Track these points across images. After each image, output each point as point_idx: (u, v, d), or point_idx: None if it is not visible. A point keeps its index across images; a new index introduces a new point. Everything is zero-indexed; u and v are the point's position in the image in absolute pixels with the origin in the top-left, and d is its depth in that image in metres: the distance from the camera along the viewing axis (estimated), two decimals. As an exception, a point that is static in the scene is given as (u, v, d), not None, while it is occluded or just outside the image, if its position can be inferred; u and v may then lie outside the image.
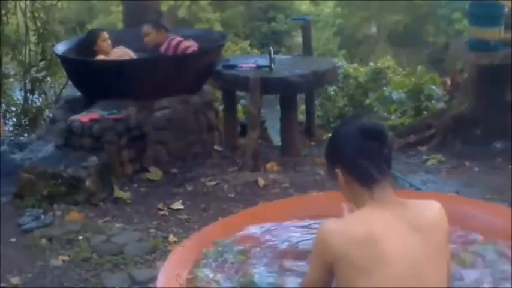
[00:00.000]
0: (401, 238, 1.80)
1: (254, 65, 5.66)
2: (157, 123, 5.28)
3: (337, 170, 1.89)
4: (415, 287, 1.76)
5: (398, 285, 1.75)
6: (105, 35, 5.59)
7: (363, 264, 1.76)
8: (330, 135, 2.06)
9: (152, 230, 4.21)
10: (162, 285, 1.97)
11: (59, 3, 9.49)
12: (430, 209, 1.89)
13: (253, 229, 2.34)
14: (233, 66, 5.69)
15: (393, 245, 1.78)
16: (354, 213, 1.89)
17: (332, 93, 8.59)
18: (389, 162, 1.90)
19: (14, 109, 9.12)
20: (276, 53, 6.39)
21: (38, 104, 9.13)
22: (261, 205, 3.77)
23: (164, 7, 11.16)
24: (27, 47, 8.97)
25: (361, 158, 1.85)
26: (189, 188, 4.93)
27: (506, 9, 5.50)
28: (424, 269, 1.79)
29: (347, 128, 1.95)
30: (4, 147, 5.68)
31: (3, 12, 8.57)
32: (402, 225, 1.82)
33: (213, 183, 4.95)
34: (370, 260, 1.76)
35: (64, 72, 7.10)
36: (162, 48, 5.59)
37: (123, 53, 5.65)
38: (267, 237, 2.31)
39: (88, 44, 5.58)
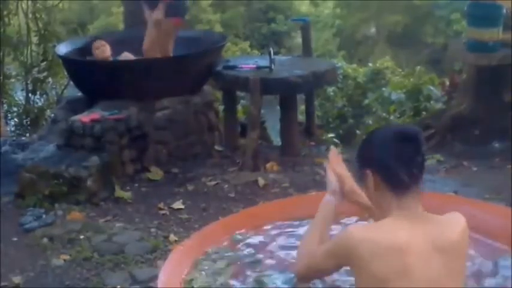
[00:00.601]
0: (425, 256, 1.77)
1: (254, 66, 5.65)
2: (158, 124, 5.28)
3: (368, 172, 1.85)
4: None
5: None
6: (98, 43, 5.54)
7: (385, 276, 1.75)
8: (365, 136, 2.02)
9: (153, 230, 4.21)
10: (163, 284, 1.96)
11: (60, 4, 9.51)
12: (455, 228, 1.84)
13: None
14: (233, 67, 5.68)
15: (417, 262, 1.76)
16: (381, 222, 1.84)
17: (331, 93, 8.60)
18: (421, 169, 1.84)
19: (15, 109, 9.13)
20: (275, 53, 6.38)
21: (40, 104, 9.14)
22: (261, 205, 3.77)
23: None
24: (29, 47, 8.99)
25: (396, 161, 1.80)
26: (190, 187, 4.93)
27: (504, 10, 5.50)
28: None
29: (384, 130, 1.92)
30: (6, 147, 5.69)
31: (5, 13, 8.58)
32: (427, 242, 1.79)
33: (213, 183, 4.95)
34: (392, 272, 1.75)
35: (65, 73, 7.10)
36: None
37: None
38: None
39: (89, 46, 5.59)
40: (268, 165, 5.28)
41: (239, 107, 6.75)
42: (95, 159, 4.72)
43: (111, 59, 5.56)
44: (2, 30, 8.62)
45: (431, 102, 7.48)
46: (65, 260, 3.81)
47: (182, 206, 4.57)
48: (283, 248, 2.25)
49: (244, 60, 6.19)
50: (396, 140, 1.82)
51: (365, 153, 1.89)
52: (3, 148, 5.67)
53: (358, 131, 7.80)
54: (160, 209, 4.54)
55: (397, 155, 1.80)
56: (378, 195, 1.86)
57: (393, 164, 1.80)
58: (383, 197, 1.84)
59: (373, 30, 20.46)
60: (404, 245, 1.76)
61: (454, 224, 1.86)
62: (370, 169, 1.84)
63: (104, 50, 5.53)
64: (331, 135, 7.48)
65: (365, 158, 1.89)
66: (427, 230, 1.81)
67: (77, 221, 4.32)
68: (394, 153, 1.81)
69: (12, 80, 9.52)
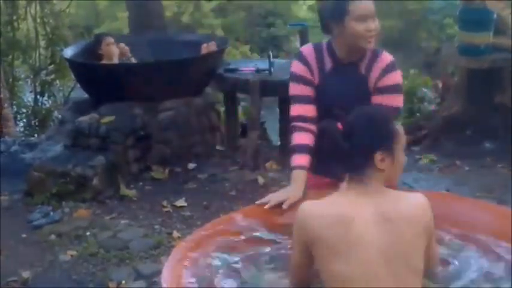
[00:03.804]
0: (376, 226, 1.81)
1: (254, 69, 5.65)
2: (162, 124, 5.28)
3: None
4: (384, 274, 1.77)
5: (367, 271, 1.76)
6: (110, 39, 5.57)
7: (335, 245, 1.79)
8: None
9: (156, 227, 4.22)
10: (166, 280, 1.96)
11: (68, 9, 9.52)
12: (409, 203, 1.88)
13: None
14: (234, 70, 5.69)
15: (367, 231, 1.80)
16: (332, 196, 1.92)
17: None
18: (365, 158, 1.91)
19: (24, 111, 9.14)
20: (275, 57, 6.37)
21: (47, 105, 9.15)
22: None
23: (168, 13, 11.16)
24: (37, 51, 9.00)
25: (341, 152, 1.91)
26: (192, 186, 4.94)
27: (495, 15, 5.50)
28: (394, 261, 1.79)
29: (368, 114, 1.98)
30: (15, 147, 5.69)
31: (14, 17, 8.59)
32: (378, 213, 1.83)
33: (214, 181, 4.96)
34: (342, 241, 1.79)
35: (72, 75, 7.10)
36: None
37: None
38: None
39: (94, 47, 5.58)
40: (267, 165, 5.29)
41: (240, 108, 6.75)
42: (100, 159, 4.72)
43: (116, 60, 5.56)
44: (11, 34, 8.62)
45: (425, 103, 7.47)
46: (72, 256, 3.82)
47: (185, 204, 4.58)
48: (282, 247, 2.24)
49: (245, 63, 6.18)
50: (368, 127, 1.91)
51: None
52: (13, 148, 5.67)
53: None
54: (164, 206, 4.54)
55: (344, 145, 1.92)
56: None
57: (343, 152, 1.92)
58: None
59: (368, 34, 20.41)
60: (350, 214, 1.82)
61: (410, 199, 1.90)
62: None
63: (113, 49, 5.53)
64: (328, 135, 7.47)
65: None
66: (380, 203, 1.85)
67: (84, 218, 4.33)
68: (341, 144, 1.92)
69: (21, 82, 9.54)
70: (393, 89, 2.43)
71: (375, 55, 2.45)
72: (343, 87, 2.47)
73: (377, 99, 2.42)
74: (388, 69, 2.44)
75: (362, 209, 1.83)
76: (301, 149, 2.46)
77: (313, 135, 2.48)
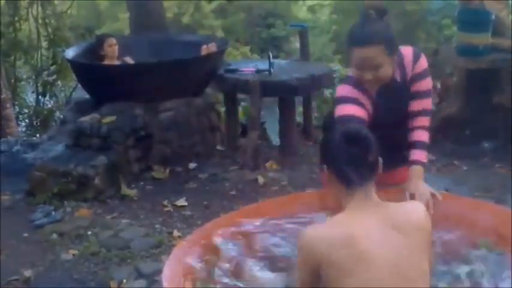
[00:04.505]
0: (381, 238, 1.78)
1: (254, 69, 5.65)
2: (163, 124, 5.28)
3: (324, 167, 1.93)
4: (397, 286, 1.75)
5: (380, 285, 1.74)
6: (113, 40, 5.58)
7: (345, 266, 1.75)
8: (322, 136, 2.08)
9: (157, 226, 4.22)
10: (167, 279, 1.96)
11: (69, 11, 9.53)
12: (412, 212, 1.87)
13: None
14: (234, 70, 5.69)
15: (373, 245, 1.76)
16: (334, 217, 1.87)
17: (328, 95, 8.58)
18: (372, 167, 1.88)
19: (26, 111, 9.15)
20: (275, 57, 6.38)
21: (49, 106, 9.16)
22: (260, 202, 3.76)
23: (169, 14, 11.17)
24: (39, 51, 9.02)
25: (344, 162, 1.85)
26: (192, 185, 4.94)
27: (493, 16, 5.50)
28: (405, 268, 1.77)
29: (335, 132, 1.94)
30: (17, 147, 5.69)
31: (16, 18, 8.60)
32: (382, 225, 1.80)
33: (215, 181, 4.95)
34: (351, 261, 1.75)
35: (74, 76, 7.11)
36: None
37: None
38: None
39: (96, 48, 5.58)
40: (267, 164, 5.29)
41: (240, 109, 6.74)
42: (102, 159, 4.72)
43: (116, 61, 5.57)
44: (13, 35, 8.63)
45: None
46: (73, 255, 3.82)
47: (185, 203, 4.58)
48: (278, 245, 2.24)
49: (245, 63, 6.18)
50: (345, 142, 1.87)
51: (321, 152, 1.97)
52: (15, 148, 5.68)
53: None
54: (165, 206, 4.55)
55: (345, 157, 1.86)
56: (333, 188, 1.92)
57: (342, 165, 1.86)
58: (337, 190, 1.90)
59: (368, 35, 20.38)
60: (357, 232, 1.77)
61: (411, 208, 1.89)
62: (325, 166, 1.92)
63: (114, 50, 5.54)
64: (327, 135, 7.45)
65: (321, 155, 1.97)
66: (382, 214, 1.83)
67: (85, 218, 4.33)
68: (342, 155, 1.86)
69: (23, 82, 9.55)
70: (424, 74, 2.51)
71: (400, 57, 2.45)
72: (391, 104, 2.44)
73: (413, 87, 2.48)
74: (415, 58, 2.49)
75: (369, 225, 1.80)
76: None
77: None
